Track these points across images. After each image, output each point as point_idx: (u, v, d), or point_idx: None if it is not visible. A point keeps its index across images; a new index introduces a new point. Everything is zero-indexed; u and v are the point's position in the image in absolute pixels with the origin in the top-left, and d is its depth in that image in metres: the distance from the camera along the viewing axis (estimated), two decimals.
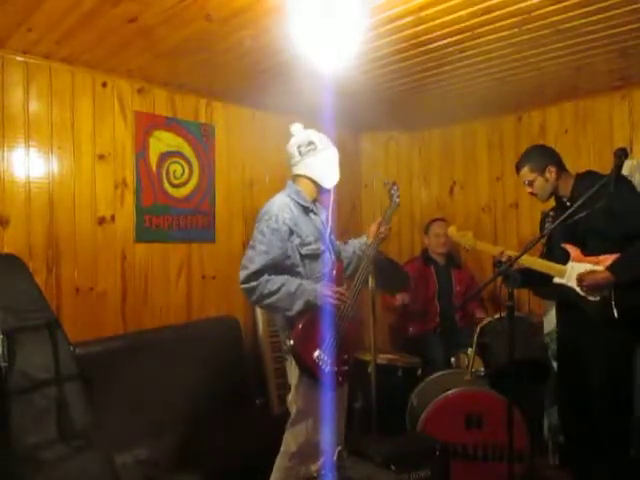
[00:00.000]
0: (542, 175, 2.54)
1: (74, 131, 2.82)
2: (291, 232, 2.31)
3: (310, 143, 2.40)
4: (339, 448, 2.37)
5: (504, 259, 2.47)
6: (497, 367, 2.80)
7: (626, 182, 2.45)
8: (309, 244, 2.35)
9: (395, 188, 2.64)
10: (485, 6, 2.15)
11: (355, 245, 2.66)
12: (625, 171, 2.87)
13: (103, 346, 2.70)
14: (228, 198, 3.51)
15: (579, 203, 2.05)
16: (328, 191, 2.48)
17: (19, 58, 2.62)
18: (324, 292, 2.28)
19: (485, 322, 3.00)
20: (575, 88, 3.33)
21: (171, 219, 3.21)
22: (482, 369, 2.95)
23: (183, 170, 3.28)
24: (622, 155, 2.04)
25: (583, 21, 2.29)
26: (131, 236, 3.04)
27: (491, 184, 4.06)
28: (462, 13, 2.22)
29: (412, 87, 3.23)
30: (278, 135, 3.66)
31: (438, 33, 2.41)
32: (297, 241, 2.32)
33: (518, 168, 2.63)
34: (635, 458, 2.59)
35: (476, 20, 2.28)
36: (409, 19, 2.27)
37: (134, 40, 2.48)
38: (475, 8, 2.17)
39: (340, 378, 2.33)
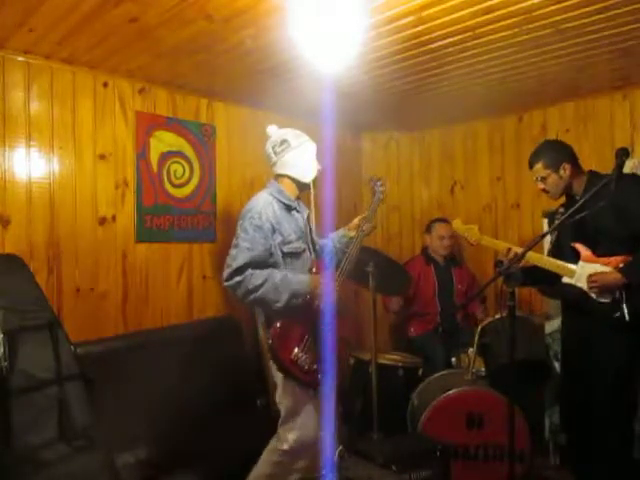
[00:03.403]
0: (556, 172, 2.47)
1: (75, 131, 2.83)
2: (273, 230, 2.33)
3: (283, 142, 2.44)
4: (340, 448, 2.37)
5: (511, 255, 2.46)
6: (498, 367, 2.79)
7: (636, 181, 2.43)
8: (290, 242, 2.37)
9: (379, 184, 2.65)
10: (486, 6, 2.15)
11: (334, 239, 2.67)
12: (626, 171, 2.86)
13: (104, 346, 2.70)
14: (229, 198, 3.51)
15: (581, 202, 2.05)
16: (308, 187, 2.50)
17: (20, 58, 2.62)
18: (313, 284, 2.30)
19: (486, 322, 3.00)
20: (576, 88, 3.32)
21: (172, 219, 3.21)
22: (483, 369, 2.95)
23: (184, 170, 3.28)
24: (623, 155, 2.04)
25: (584, 21, 2.29)
26: (132, 236, 3.04)
27: (492, 184, 4.06)
28: (463, 13, 2.22)
29: (413, 87, 3.23)
30: None
31: (439, 33, 2.41)
32: (279, 239, 2.35)
33: (531, 163, 2.55)
34: (637, 460, 2.58)
35: (477, 20, 2.28)
36: (410, 19, 2.27)
37: (135, 40, 2.48)
38: (476, 8, 2.17)
39: (320, 376, 2.34)
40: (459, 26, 2.34)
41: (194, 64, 2.82)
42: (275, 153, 2.46)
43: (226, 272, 2.29)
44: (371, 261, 2.71)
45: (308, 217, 2.56)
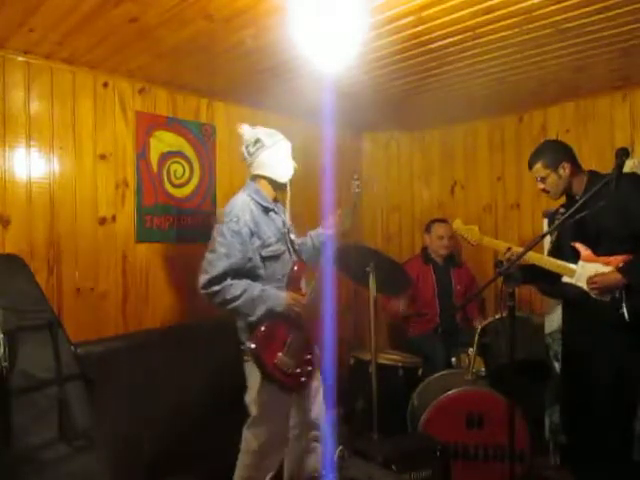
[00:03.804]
0: (556, 172, 2.48)
1: (75, 131, 2.83)
2: (252, 234, 2.28)
3: (257, 141, 2.39)
4: (340, 448, 2.37)
5: (508, 255, 2.46)
6: (498, 367, 2.80)
7: (636, 180, 2.43)
8: (270, 245, 2.33)
9: (355, 177, 2.64)
10: (486, 6, 2.15)
11: (313, 237, 2.66)
12: (626, 170, 2.86)
13: (104, 346, 2.70)
14: (229, 198, 3.48)
15: (581, 202, 2.06)
16: (285, 186, 2.46)
17: (20, 58, 2.62)
18: (288, 302, 2.28)
19: (486, 322, 3.00)
20: (576, 88, 3.32)
21: (172, 219, 3.21)
22: (483, 369, 2.95)
23: (184, 170, 3.28)
24: (623, 155, 2.04)
25: (584, 21, 2.29)
26: (132, 236, 3.04)
27: (492, 184, 4.06)
28: (463, 13, 2.21)
29: (413, 87, 3.23)
30: None
31: (439, 33, 2.41)
32: (258, 243, 2.30)
33: (531, 164, 2.56)
34: (637, 460, 2.58)
35: (477, 20, 2.28)
36: (410, 19, 2.27)
37: (135, 40, 2.48)
38: (476, 8, 2.17)
39: (304, 379, 2.34)
40: (459, 26, 2.34)
41: (194, 64, 2.82)
42: (249, 154, 2.41)
43: (203, 278, 2.23)
44: (371, 261, 2.71)
45: (285, 218, 2.51)
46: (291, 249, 2.46)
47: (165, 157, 3.19)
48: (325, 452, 2.47)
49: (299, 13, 2.14)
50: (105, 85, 2.94)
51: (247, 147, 2.42)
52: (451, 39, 2.47)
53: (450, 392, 2.81)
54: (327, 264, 2.50)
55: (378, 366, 2.76)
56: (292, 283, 2.39)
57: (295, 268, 2.41)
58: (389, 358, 3.28)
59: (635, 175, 2.61)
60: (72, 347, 2.19)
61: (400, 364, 3.23)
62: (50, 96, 2.73)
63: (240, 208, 2.30)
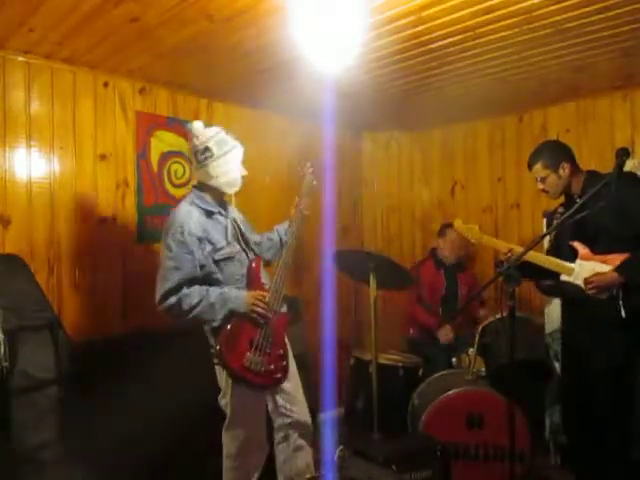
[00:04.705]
0: (555, 172, 2.48)
1: (75, 131, 2.83)
2: (200, 240, 2.23)
3: (206, 150, 2.28)
4: (340, 448, 2.37)
5: (507, 256, 2.47)
6: (498, 367, 2.80)
7: (635, 180, 2.44)
8: (222, 248, 2.28)
9: (308, 165, 2.60)
10: (486, 6, 2.16)
11: (281, 231, 2.62)
12: (626, 170, 2.87)
13: (104, 346, 2.70)
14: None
15: (581, 202, 2.06)
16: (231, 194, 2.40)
17: (20, 58, 2.62)
18: (249, 301, 2.23)
19: (486, 322, 3.00)
20: (576, 88, 3.32)
21: None
22: (483, 369, 2.95)
23: (184, 170, 3.28)
24: (623, 155, 2.05)
25: (584, 21, 2.29)
26: (132, 236, 3.04)
27: (492, 184, 4.06)
28: (463, 13, 2.22)
29: (413, 87, 3.23)
30: (279, 135, 3.68)
31: (439, 33, 2.41)
32: (209, 247, 2.25)
33: (530, 164, 2.56)
34: (637, 459, 2.58)
35: (477, 20, 2.28)
36: (410, 19, 2.27)
37: (135, 40, 2.48)
38: (476, 8, 2.17)
39: (279, 375, 2.30)
40: (459, 26, 2.34)
41: (194, 64, 2.82)
42: (197, 161, 2.31)
43: (158, 294, 2.19)
44: (372, 262, 2.71)
45: (235, 217, 2.46)
46: (245, 247, 2.40)
47: (165, 157, 3.19)
48: (324, 451, 2.47)
49: (299, 13, 2.15)
50: (105, 85, 2.94)
51: (195, 154, 2.31)
52: (451, 39, 2.48)
53: (450, 392, 2.81)
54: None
55: (378, 366, 2.76)
56: (253, 281, 2.34)
57: (253, 265, 2.36)
58: (389, 358, 3.28)
59: (634, 175, 2.61)
60: (72, 347, 2.20)
61: (400, 364, 3.23)
62: (50, 96, 2.74)
63: (183, 218, 2.23)
